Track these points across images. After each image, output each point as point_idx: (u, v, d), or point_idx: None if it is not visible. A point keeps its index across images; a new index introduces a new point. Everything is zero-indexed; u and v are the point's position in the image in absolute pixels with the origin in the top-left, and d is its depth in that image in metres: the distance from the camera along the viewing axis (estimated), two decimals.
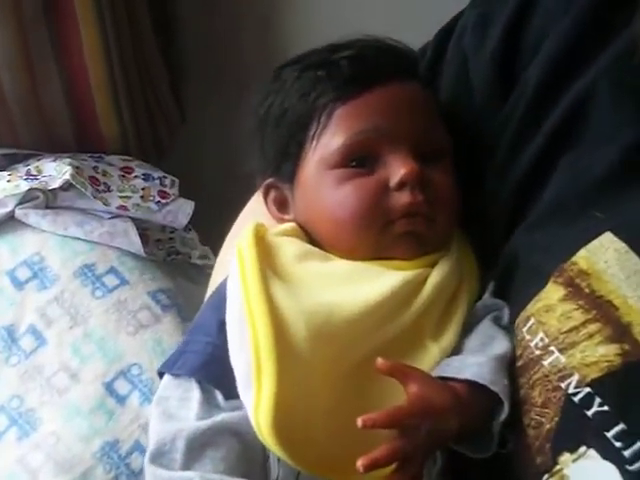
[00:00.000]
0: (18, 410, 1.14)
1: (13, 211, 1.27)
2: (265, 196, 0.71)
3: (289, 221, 0.69)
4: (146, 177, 1.39)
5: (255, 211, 0.78)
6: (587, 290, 0.55)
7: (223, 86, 1.57)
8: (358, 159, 0.63)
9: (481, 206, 0.68)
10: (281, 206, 0.70)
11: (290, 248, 0.64)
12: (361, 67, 0.65)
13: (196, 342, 0.64)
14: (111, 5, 1.35)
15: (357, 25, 1.40)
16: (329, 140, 0.64)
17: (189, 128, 1.68)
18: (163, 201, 1.36)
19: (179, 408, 0.61)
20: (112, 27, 1.36)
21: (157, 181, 1.39)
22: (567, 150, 0.61)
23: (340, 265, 0.63)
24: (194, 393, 0.61)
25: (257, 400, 0.55)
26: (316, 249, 0.65)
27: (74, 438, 1.10)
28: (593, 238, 0.56)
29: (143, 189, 1.36)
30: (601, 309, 0.54)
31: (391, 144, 0.63)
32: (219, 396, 0.60)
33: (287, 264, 0.63)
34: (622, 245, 0.54)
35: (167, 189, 1.38)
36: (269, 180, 0.70)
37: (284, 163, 0.68)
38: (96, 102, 1.41)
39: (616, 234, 0.54)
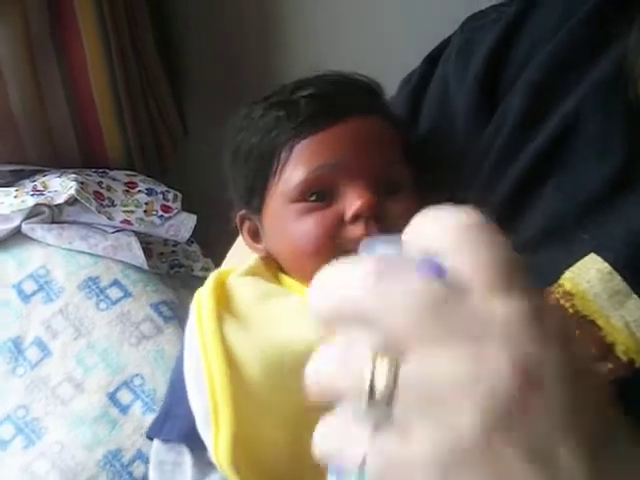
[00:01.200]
0: (24, 419, 1.16)
1: (20, 226, 1.29)
2: (241, 226, 0.74)
3: (262, 250, 0.71)
4: (149, 192, 1.41)
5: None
6: (571, 310, 0.55)
7: (225, 102, 1.58)
8: (317, 193, 0.64)
9: None
10: (254, 236, 0.72)
11: (248, 290, 0.65)
12: (319, 105, 0.67)
13: (179, 405, 0.63)
14: (114, 23, 1.38)
15: (354, 44, 1.42)
16: (289, 176, 0.65)
17: (191, 143, 1.70)
18: (166, 215, 1.38)
19: (174, 472, 0.63)
20: (115, 44, 1.39)
21: (160, 195, 1.41)
22: (552, 174, 0.62)
23: (296, 301, 0.64)
24: (186, 457, 0.63)
25: (216, 440, 0.56)
26: (274, 286, 0.66)
27: (78, 447, 1.12)
28: (578, 259, 0.56)
29: (146, 203, 1.38)
30: (585, 329, 0.54)
31: (348, 178, 0.64)
32: (210, 454, 0.61)
33: (245, 306, 0.64)
34: (605, 265, 0.54)
35: (170, 203, 1.40)
36: (242, 212, 0.73)
37: (253, 197, 0.70)
38: (100, 119, 1.43)
39: (600, 254, 0.55)
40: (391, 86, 0.78)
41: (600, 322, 0.54)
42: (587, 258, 0.56)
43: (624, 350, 0.53)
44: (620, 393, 0.52)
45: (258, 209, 0.70)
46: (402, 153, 0.69)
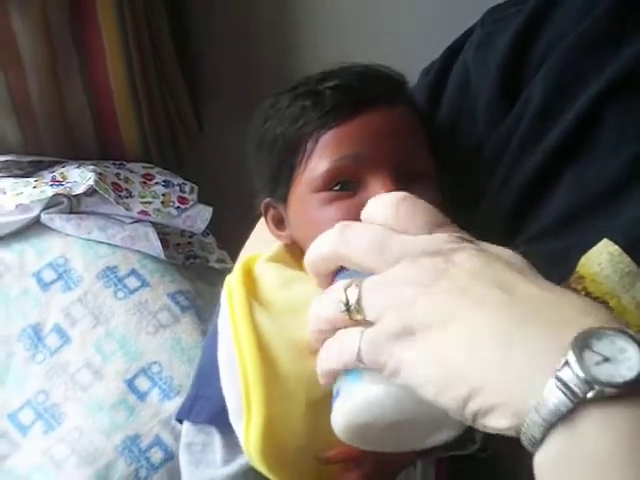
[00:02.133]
0: (44, 405, 1.18)
1: (39, 216, 1.30)
2: (265, 214, 0.75)
3: (286, 237, 0.72)
4: (166, 183, 1.43)
5: (264, 229, 0.81)
6: (583, 293, 0.56)
7: (240, 96, 1.60)
8: (342, 183, 0.66)
9: (481, 218, 0.69)
10: (278, 224, 0.73)
11: (272, 276, 0.66)
12: (344, 96, 0.68)
13: (208, 386, 0.65)
14: (133, 19, 1.39)
15: (369, 45, 1.43)
16: (314, 165, 0.67)
17: (208, 137, 1.71)
18: (182, 207, 1.40)
19: (204, 453, 0.64)
20: (134, 40, 1.40)
21: (177, 187, 1.43)
22: (570, 164, 0.63)
23: (319, 290, 0.64)
24: (215, 437, 0.64)
25: (247, 428, 0.57)
26: (297, 272, 0.67)
27: (97, 432, 1.14)
28: (593, 246, 0.57)
29: (163, 195, 1.40)
30: None
31: (371, 168, 0.65)
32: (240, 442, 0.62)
33: (270, 293, 0.64)
34: (615, 247, 0.55)
35: (186, 195, 1.42)
36: (267, 200, 0.74)
37: (277, 185, 0.71)
38: (118, 112, 1.45)
39: (612, 239, 0.56)
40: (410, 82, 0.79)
41: (612, 303, 0.55)
42: (600, 243, 0.57)
43: (637, 331, 0.53)
44: None
45: (283, 198, 0.71)
46: (425, 143, 0.70)
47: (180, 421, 0.70)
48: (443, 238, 0.45)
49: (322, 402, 0.58)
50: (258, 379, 0.57)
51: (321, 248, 0.49)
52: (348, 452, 0.55)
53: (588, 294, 0.56)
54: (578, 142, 0.62)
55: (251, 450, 0.57)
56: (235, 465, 0.63)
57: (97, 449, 1.13)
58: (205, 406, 0.66)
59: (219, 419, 0.62)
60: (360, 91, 0.69)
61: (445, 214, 0.68)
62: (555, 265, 0.59)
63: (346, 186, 0.66)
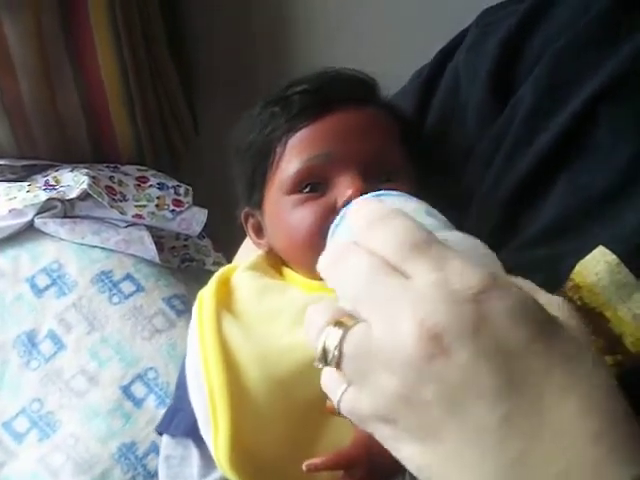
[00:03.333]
0: (39, 413, 1.17)
1: (32, 220, 1.29)
2: (245, 223, 0.76)
3: (265, 245, 0.73)
4: (161, 186, 1.42)
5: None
6: (579, 303, 0.56)
7: (236, 98, 1.60)
8: (311, 184, 0.66)
9: (471, 221, 0.68)
10: (257, 232, 0.74)
11: (248, 285, 0.67)
12: (311, 99, 0.68)
13: (186, 399, 0.65)
14: (126, 21, 1.38)
15: (364, 45, 1.42)
16: (284, 168, 0.67)
17: (203, 138, 1.71)
18: (177, 209, 1.39)
19: (182, 466, 0.65)
20: (127, 42, 1.39)
21: (171, 190, 1.42)
22: (563, 169, 0.62)
23: (295, 299, 0.64)
24: (192, 451, 0.65)
25: (215, 438, 0.58)
26: (273, 282, 0.68)
27: (93, 439, 1.13)
28: (589, 252, 0.56)
29: (158, 198, 1.39)
30: (594, 321, 0.55)
31: (340, 168, 0.65)
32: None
33: (244, 303, 0.65)
34: (613, 257, 0.55)
35: (181, 198, 1.41)
36: (246, 209, 0.75)
37: (253, 192, 0.72)
38: (112, 114, 1.44)
39: (609, 247, 0.55)
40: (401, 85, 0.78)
41: (608, 314, 0.55)
42: (596, 251, 0.56)
43: (633, 341, 0.53)
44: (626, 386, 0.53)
45: (258, 204, 0.72)
46: (398, 142, 0.70)
47: (160, 433, 0.70)
48: (458, 291, 0.36)
49: (305, 409, 0.59)
50: (223, 390, 0.58)
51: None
52: (337, 459, 0.54)
53: (584, 304, 0.56)
54: (571, 146, 0.61)
55: (221, 460, 0.58)
56: (210, 479, 0.63)
57: (93, 456, 1.12)
58: (183, 419, 0.66)
59: (196, 432, 0.63)
60: (328, 93, 0.69)
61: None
62: (547, 272, 0.58)
63: (315, 187, 0.66)
